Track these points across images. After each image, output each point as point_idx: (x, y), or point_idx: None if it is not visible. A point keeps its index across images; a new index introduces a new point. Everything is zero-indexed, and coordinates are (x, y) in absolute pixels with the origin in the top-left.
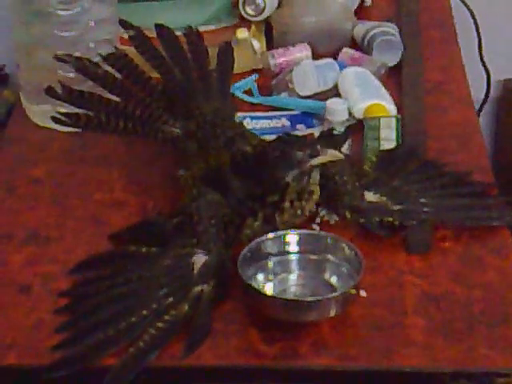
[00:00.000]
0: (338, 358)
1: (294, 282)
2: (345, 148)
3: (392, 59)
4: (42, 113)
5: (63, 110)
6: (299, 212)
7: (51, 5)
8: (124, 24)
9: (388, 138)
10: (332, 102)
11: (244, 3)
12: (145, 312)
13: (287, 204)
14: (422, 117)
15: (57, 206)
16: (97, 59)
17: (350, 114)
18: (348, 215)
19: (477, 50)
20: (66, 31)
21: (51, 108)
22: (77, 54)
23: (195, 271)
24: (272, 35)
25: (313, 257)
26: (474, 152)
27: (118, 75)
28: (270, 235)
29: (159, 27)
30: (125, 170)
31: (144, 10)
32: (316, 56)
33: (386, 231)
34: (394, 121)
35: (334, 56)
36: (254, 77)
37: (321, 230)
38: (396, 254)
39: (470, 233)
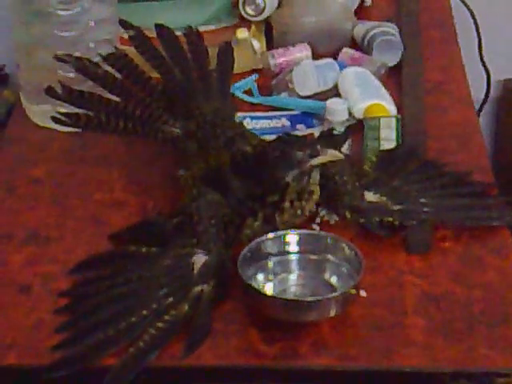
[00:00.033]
0: (338, 357)
1: (294, 282)
2: (345, 148)
3: (392, 59)
4: (42, 113)
5: (63, 110)
6: (299, 212)
7: (51, 5)
8: (124, 24)
9: (388, 138)
10: (332, 102)
11: (244, 3)
12: (145, 312)
13: (287, 204)
14: (422, 117)
15: (57, 206)
16: (97, 59)
17: (350, 114)
18: (348, 215)
19: (477, 49)
20: (66, 31)
21: (51, 108)
22: (77, 54)
23: (195, 271)
24: (272, 35)
25: (313, 257)
26: (474, 152)
27: (118, 75)
28: (270, 235)
29: (159, 27)
30: (125, 170)
31: (144, 9)
32: (316, 56)
33: (386, 231)
34: (394, 121)
35: (334, 56)
36: (254, 77)
37: (321, 229)
38: (396, 254)
39: (470, 233)
